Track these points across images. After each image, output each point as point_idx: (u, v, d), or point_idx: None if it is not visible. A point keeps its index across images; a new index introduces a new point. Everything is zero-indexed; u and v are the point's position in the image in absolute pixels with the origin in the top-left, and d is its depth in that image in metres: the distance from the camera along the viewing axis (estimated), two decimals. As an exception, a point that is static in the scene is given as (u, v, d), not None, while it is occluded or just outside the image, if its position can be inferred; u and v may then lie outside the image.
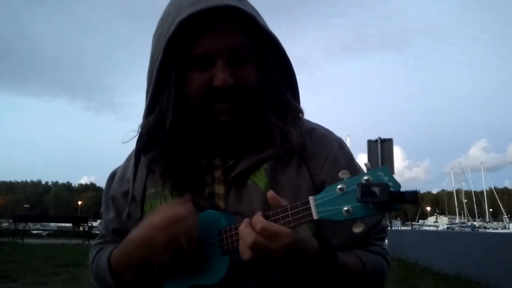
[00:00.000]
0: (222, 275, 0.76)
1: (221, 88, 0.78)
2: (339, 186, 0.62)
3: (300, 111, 0.89)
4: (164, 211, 0.78)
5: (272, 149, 0.84)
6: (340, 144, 0.92)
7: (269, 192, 0.70)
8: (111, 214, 0.97)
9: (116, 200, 0.96)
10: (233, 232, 0.75)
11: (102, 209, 1.01)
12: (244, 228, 0.68)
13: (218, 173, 0.88)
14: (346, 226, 0.65)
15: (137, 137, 0.88)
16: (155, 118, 0.84)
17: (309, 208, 0.65)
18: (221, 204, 0.86)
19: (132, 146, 0.91)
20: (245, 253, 0.68)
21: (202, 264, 0.78)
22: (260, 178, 0.85)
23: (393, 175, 0.60)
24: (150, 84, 0.83)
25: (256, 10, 0.85)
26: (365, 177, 0.60)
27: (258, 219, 0.67)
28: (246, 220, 0.70)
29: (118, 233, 0.96)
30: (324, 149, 0.89)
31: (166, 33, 0.80)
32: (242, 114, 0.82)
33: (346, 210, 0.61)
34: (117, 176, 0.99)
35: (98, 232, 1.06)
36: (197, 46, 0.79)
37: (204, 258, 0.79)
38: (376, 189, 0.58)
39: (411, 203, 0.57)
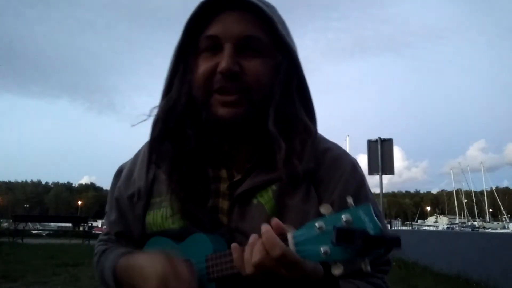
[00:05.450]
0: None
1: (223, 74, 0.77)
2: (317, 225, 0.59)
3: (310, 131, 0.84)
4: (167, 265, 0.75)
5: (280, 171, 0.79)
6: (353, 167, 0.87)
7: (274, 219, 0.65)
8: (114, 216, 0.95)
9: (120, 202, 0.93)
10: (219, 261, 0.74)
11: (107, 208, 0.99)
12: (259, 250, 0.62)
13: (223, 187, 0.85)
14: None
15: (152, 124, 0.87)
16: (167, 103, 0.84)
17: (287, 246, 0.62)
18: (224, 219, 0.83)
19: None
20: (249, 270, 0.64)
21: None
22: (266, 199, 0.81)
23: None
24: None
25: (286, 26, 0.85)
26: (345, 217, 0.56)
27: (276, 242, 0.61)
28: (254, 237, 0.64)
29: (121, 236, 0.94)
30: (336, 173, 0.84)
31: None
32: (242, 109, 0.79)
33: (323, 252, 0.57)
34: (123, 174, 0.96)
35: (103, 228, 1.03)
36: (209, 28, 0.79)
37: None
38: (352, 234, 0.54)
39: (393, 249, 0.54)
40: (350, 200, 0.58)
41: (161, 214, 0.86)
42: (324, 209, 0.59)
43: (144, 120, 0.87)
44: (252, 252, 0.63)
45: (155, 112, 0.87)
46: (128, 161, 1.00)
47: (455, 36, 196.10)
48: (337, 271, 0.57)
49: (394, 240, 0.54)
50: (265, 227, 0.63)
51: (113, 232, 0.95)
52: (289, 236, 0.61)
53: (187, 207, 0.82)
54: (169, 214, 0.85)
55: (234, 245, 0.68)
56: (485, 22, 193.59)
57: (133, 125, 0.87)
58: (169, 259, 0.76)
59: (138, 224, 0.90)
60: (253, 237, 0.65)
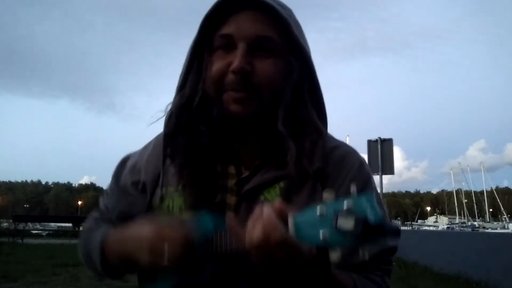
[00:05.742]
0: (208, 274, 0.76)
1: (235, 73, 0.78)
2: (319, 209, 0.59)
3: (321, 132, 0.84)
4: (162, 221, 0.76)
5: (289, 169, 0.80)
6: (360, 165, 0.88)
7: (277, 200, 0.65)
8: (113, 201, 0.94)
9: (124, 189, 0.93)
10: (218, 239, 0.75)
11: (107, 190, 0.98)
12: (259, 232, 0.61)
13: (231, 183, 0.86)
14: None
15: (165, 119, 0.88)
16: (180, 99, 0.85)
17: (287, 228, 0.62)
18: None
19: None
20: (247, 246, 0.64)
21: (191, 262, 0.77)
22: (274, 196, 0.82)
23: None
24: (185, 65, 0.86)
25: (300, 28, 0.86)
26: (346, 204, 0.56)
27: (277, 227, 0.60)
28: (258, 212, 0.63)
29: (122, 217, 0.92)
30: (343, 171, 0.85)
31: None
32: (253, 107, 0.80)
33: (322, 236, 0.57)
34: (129, 163, 0.96)
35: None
36: (223, 27, 0.81)
37: (193, 256, 0.79)
38: (352, 220, 0.55)
39: (392, 237, 0.55)
40: (353, 188, 0.58)
41: (167, 206, 0.86)
42: (327, 195, 0.59)
43: (161, 117, 0.88)
44: (254, 231, 0.63)
45: (168, 108, 0.88)
46: (135, 152, 0.99)
47: (455, 36, 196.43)
48: (335, 256, 0.57)
49: (393, 230, 0.54)
50: (267, 211, 0.63)
51: (113, 217, 0.94)
52: (290, 219, 0.61)
53: (197, 202, 0.83)
54: (176, 207, 0.85)
55: (229, 221, 0.68)
56: (485, 22, 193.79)
57: (150, 124, 0.88)
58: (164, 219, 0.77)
59: (140, 213, 0.89)
60: (257, 211, 0.65)
